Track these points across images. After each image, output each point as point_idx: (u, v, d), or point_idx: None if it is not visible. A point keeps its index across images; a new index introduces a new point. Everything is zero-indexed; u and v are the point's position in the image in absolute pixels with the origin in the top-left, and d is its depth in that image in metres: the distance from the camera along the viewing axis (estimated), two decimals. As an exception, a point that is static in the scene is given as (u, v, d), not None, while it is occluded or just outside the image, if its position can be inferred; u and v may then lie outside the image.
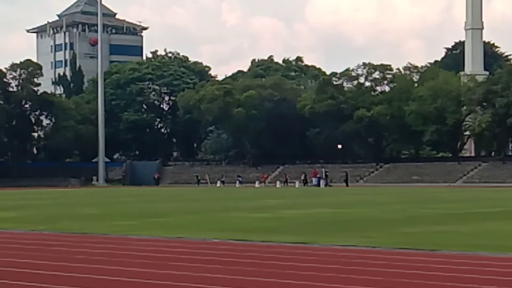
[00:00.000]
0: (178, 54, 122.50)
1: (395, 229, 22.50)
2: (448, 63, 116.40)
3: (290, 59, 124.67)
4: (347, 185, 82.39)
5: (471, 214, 30.12)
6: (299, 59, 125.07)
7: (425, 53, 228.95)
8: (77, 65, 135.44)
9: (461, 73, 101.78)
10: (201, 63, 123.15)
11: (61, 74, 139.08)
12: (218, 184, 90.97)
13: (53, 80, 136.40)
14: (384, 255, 15.86)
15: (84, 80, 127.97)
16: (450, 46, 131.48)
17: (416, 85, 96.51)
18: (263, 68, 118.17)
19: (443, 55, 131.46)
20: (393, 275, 12.87)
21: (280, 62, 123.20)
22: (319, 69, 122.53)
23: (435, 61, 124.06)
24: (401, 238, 19.46)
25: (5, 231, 23.17)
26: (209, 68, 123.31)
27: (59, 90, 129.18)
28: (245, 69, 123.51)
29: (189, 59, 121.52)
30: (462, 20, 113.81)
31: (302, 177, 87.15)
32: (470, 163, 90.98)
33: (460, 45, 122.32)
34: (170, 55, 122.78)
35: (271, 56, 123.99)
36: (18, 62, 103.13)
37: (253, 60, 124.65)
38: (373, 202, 41.64)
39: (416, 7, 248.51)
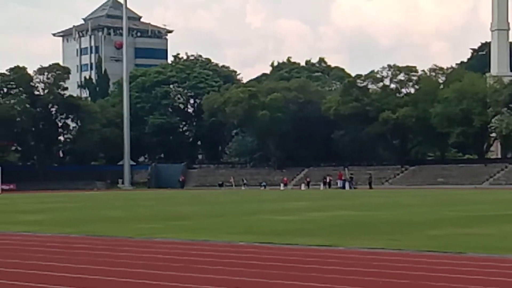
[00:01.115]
0: (200, 56, 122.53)
1: (421, 231, 22.35)
2: (474, 64, 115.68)
3: (313, 60, 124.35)
4: (370, 187, 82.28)
5: (498, 216, 29.85)
6: (321, 60, 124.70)
7: (450, 54, 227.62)
8: (103, 69, 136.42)
9: (487, 74, 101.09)
10: (228, 67, 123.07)
11: (87, 77, 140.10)
12: (243, 187, 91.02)
13: (79, 83, 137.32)
14: (410, 257, 15.74)
15: (109, 84, 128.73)
16: (476, 48, 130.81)
17: (441, 87, 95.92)
18: (287, 70, 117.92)
19: (469, 56, 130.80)
20: (420, 278, 12.77)
21: (303, 63, 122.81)
22: (343, 69, 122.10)
23: (461, 63, 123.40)
24: (428, 240, 19.32)
25: (31, 234, 23.30)
26: (236, 73, 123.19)
27: (85, 94, 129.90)
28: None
29: (212, 61, 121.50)
30: (488, 21, 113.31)
31: (325, 180, 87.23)
32: (496, 165, 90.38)
33: (486, 46, 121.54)
34: (192, 58, 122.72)
35: (289, 57, 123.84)
36: (47, 66, 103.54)
37: (273, 62, 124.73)
38: (399, 205, 41.42)
39: (442, 9, 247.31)
